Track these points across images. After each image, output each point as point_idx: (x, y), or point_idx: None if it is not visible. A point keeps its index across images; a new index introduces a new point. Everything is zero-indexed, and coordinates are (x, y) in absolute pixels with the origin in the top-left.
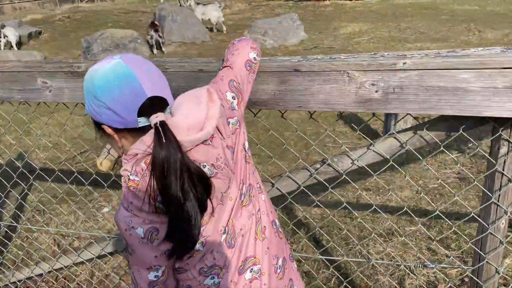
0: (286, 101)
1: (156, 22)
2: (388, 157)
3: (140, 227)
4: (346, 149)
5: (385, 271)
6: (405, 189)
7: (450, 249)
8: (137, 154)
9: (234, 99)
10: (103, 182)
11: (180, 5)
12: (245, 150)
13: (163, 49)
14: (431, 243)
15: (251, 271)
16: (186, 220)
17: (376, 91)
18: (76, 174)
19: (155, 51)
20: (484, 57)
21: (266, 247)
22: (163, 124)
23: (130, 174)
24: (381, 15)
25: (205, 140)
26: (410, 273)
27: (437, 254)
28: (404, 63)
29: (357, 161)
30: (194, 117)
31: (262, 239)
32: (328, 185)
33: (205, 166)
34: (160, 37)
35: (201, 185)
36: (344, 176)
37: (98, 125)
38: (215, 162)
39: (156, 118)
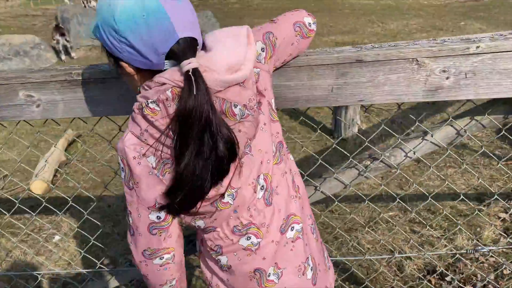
0: (346, 96)
1: (60, 26)
2: (445, 146)
3: (153, 155)
4: (402, 141)
5: (383, 261)
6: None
7: (434, 229)
8: (164, 83)
9: (263, 51)
10: (51, 207)
11: (84, 6)
12: (272, 108)
13: (72, 54)
14: (413, 226)
15: (292, 229)
16: (193, 178)
17: (447, 78)
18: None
19: (63, 57)
20: None
21: (301, 206)
22: (195, 72)
23: (150, 102)
24: (283, 10)
25: (239, 84)
26: (407, 260)
27: (424, 236)
28: (478, 47)
29: (414, 153)
30: (233, 57)
31: (298, 198)
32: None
33: (237, 106)
34: (67, 41)
35: (223, 142)
36: (399, 170)
37: (115, 60)
38: (247, 103)
39: (189, 64)
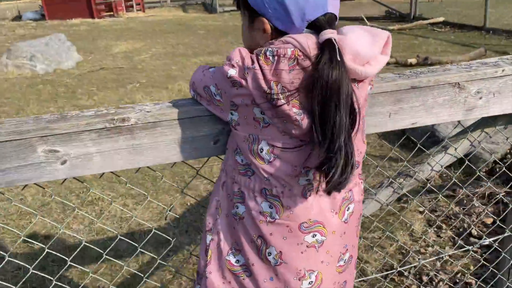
0: (401, 120)
1: None
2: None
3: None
4: (429, 154)
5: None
6: None
7: (374, 232)
8: (288, 42)
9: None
10: None
11: None
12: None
13: None
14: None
15: (313, 236)
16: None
17: (480, 98)
18: None
19: None
20: None
21: (343, 228)
22: (335, 43)
23: (269, 51)
24: (143, 32)
25: (354, 80)
26: (366, 263)
27: (368, 239)
28: (503, 70)
29: (441, 166)
30: (364, 48)
31: (342, 215)
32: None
33: None
34: None
35: (349, 115)
36: (429, 185)
37: (251, 13)
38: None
39: (331, 34)
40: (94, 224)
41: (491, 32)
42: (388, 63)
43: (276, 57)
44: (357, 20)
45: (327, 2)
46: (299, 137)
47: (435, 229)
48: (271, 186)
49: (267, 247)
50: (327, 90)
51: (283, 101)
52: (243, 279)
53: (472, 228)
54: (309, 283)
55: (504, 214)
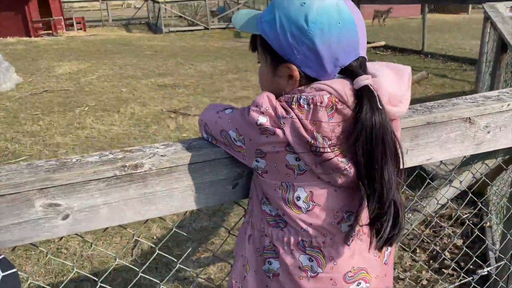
0: (417, 156)
1: None
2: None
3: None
4: (435, 185)
5: None
6: None
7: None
8: (322, 90)
9: None
10: None
11: None
12: None
13: None
14: None
15: (358, 285)
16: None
17: (488, 132)
18: None
19: None
20: None
21: (384, 270)
22: (371, 88)
23: (303, 98)
24: (87, 52)
25: None
26: None
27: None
28: (508, 105)
29: (445, 199)
30: (396, 89)
31: (383, 257)
32: None
33: None
34: None
35: (395, 163)
36: (436, 219)
37: (277, 59)
38: None
39: (367, 80)
40: (51, 265)
41: (429, 56)
42: None
43: (311, 106)
44: None
45: (359, 45)
46: (342, 185)
47: (411, 253)
48: (310, 237)
49: None
50: (372, 140)
51: (329, 151)
52: None
53: (445, 251)
54: None
55: (500, 244)
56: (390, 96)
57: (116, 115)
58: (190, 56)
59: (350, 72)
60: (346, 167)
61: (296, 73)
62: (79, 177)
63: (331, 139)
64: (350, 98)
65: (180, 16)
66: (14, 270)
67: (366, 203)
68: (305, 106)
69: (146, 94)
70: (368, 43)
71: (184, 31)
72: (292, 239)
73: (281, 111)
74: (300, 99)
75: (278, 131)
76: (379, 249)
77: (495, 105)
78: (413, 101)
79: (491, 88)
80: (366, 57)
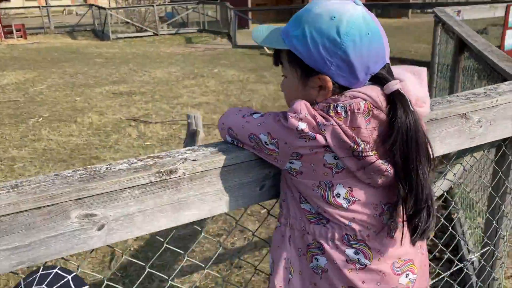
0: None
1: None
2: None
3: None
4: (433, 181)
5: None
6: None
7: None
8: (356, 97)
9: None
10: None
11: None
12: None
13: None
14: None
15: (406, 276)
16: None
17: (481, 126)
18: None
19: None
20: None
21: (425, 260)
22: (404, 94)
23: (340, 106)
24: (32, 61)
25: None
26: None
27: None
28: (497, 101)
29: (441, 190)
30: (420, 90)
31: (423, 248)
32: None
33: None
34: None
35: (427, 161)
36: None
37: (306, 72)
38: None
39: (397, 85)
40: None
41: None
42: None
43: (349, 113)
44: (256, 48)
45: (385, 52)
46: (381, 185)
47: None
48: (354, 231)
49: None
50: (408, 142)
51: (371, 154)
52: None
53: None
54: None
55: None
56: (417, 98)
57: (74, 125)
58: (143, 63)
59: (379, 79)
60: (387, 168)
61: (330, 84)
62: (115, 185)
63: (369, 143)
64: (383, 103)
65: (127, 22)
66: (87, 286)
67: (404, 201)
68: (343, 113)
69: (102, 103)
70: None
71: (133, 37)
72: (336, 234)
73: (320, 118)
74: (337, 107)
75: (319, 137)
76: (414, 242)
77: (486, 101)
78: None
79: (451, 88)
80: (389, 62)
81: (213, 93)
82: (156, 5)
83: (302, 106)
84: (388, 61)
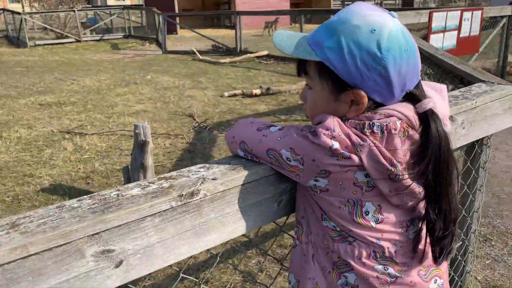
0: None
1: None
2: None
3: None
4: None
5: None
6: None
7: None
8: (391, 116)
9: None
10: None
11: None
12: None
13: None
14: None
15: (435, 282)
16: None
17: (464, 127)
18: None
19: None
20: (504, 90)
21: (445, 265)
22: (437, 113)
23: (376, 125)
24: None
25: None
26: None
27: None
28: (476, 102)
29: None
30: (446, 109)
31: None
32: None
33: None
34: None
35: (456, 183)
36: None
37: (339, 86)
38: None
39: (430, 103)
40: None
41: None
42: (235, 94)
43: (385, 132)
44: (188, 53)
45: (419, 70)
46: (411, 206)
47: None
48: (382, 248)
49: None
50: (441, 163)
51: (407, 177)
52: None
53: None
54: None
55: None
56: (444, 117)
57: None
58: (69, 71)
59: (412, 96)
60: (420, 190)
61: (365, 100)
62: (135, 214)
63: (403, 165)
64: (417, 123)
65: (46, 28)
66: None
67: (432, 223)
68: (379, 133)
69: (28, 115)
70: (251, 52)
71: (53, 44)
72: (364, 253)
73: (356, 138)
74: (373, 126)
75: (354, 157)
76: (440, 263)
77: (467, 103)
78: None
79: None
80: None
81: (150, 100)
82: (78, 10)
83: (335, 123)
84: (420, 77)
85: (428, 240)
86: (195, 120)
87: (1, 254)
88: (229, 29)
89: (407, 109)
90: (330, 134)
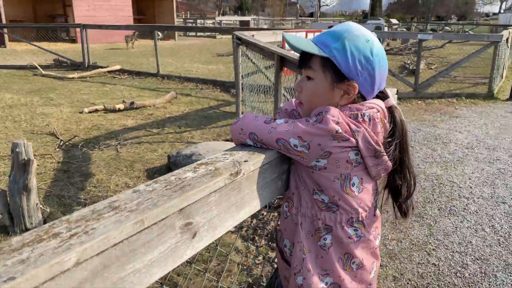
0: None
1: None
2: None
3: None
4: None
5: None
6: None
7: None
8: (373, 108)
9: None
10: None
11: None
12: None
13: None
14: None
15: (377, 239)
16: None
17: None
18: None
19: None
20: None
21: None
22: (397, 106)
23: (366, 115)
24: None
25: None
26: None
27: None
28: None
29: None
30: (396, 103)
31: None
32: None
33: None
34: None
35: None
36: None
37: (338, 77)
38: None
39: (393, 100)
40: None
41: (165, 77)
42: (96, 110)
43: (371, 121)
44: (26, 68)
45: (386, 75)
46: (382, 177)
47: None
48: (358, 214)
49: (352, 260)
50: (403, 143)
51: (385, 154)
52: None
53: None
54: (374, 272)
55: None
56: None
57: None
58: None
59: (382, 94)
60: (390, 164)
61: (356, 90)
62: (205, 191)
63: (380, 146)
64: (387, 114)
65: None
66: None
67: (398, 188)
68: (368, 120)
69: None
70: (101, 67)
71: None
72: (343, 218)
73: (353, 125)
74: (364, 116)
75: (352, 139)
76: (407, 219)
77: None
78: (174, 119)
79: (275, 98)
80: None
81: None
82: None
83: (337, 112)
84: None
85: (382, 204)
86: (58, 138)
87: (126, 228)
88: (68, 43)
89: (381, 104)
90: (336, 120)
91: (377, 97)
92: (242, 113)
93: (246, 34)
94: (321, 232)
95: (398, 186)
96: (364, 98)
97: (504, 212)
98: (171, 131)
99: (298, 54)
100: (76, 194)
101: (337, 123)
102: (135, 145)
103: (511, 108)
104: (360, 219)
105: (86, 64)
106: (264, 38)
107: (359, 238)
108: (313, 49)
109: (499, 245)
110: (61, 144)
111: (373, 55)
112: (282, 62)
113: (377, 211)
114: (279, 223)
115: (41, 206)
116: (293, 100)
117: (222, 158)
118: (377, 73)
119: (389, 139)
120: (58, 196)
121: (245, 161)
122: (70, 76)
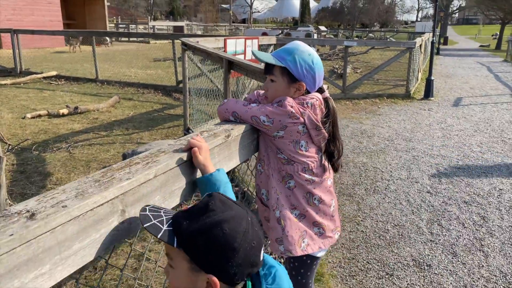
0: None
1: None
2: None
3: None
4: None
5: None
6: None
7: None
8: (313, 98)
9: None
10: None
11: None
12: None
13: None
14: None
15: (329, 181)
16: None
17: None
18: None
19: None
20: None
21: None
22: (330, 97)
23: (310, 103)
24: None
25: None
26: None
27: None
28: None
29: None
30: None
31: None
32: None
33: None
34: None
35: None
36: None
37: (292, 79)
38: None
39: (327, 93)
40: None
41: (104, 83)
42: (40, 115)
43: (313, 106)
44: None
45: (323, 77)
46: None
47: None
48: (308, 165)
49: (313, 197)
50: (335, 120)
51: (323, 128)
52: (301, 220)
53: None
54: (333, 206)
55: None
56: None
57: None
58: None
59: (320, 89)
60: (327, 136)
61: (304, 88)
62: (213, 144)
63: (319, 122)
64: (323, 102)
65: None
66: None
67: (332, 151)
68: (310, 106)
69: None
70: (36, 73)
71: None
72: (299, 168)
73: (301, 109)
74: (308, 103)
75: (301, 118)
76: (336, 172)
77: None
78: (121, 122)
79: (226, 98)
80: None
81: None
82: None
83: (291, 100)
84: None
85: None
86: (6, 143)
87: (174, 159)
88: None
89: (320, 96)
90: (290, 105)
91: (318, 91)
92: (190, 114)
93: (191, 41)
94: (286, 178)
95: (332, 151)
96: (309, 92)
97: (417, 189)
98: (119, 133)
99: (242, 59)
100: (38, 191)
101: (291, 106)
102: (87, 146)
103: (425, 106)
104: (310, 168)
105: (19, 70)
106: (209, 44)
107: (314, 181)
108: (275, 61)
109: (413, 214)
110: (9, 148)
111: (314, 64)
112: (230, 65)
113: (325, 163)
114: (255, 179)
115: (9, 202)
116: (255, 92)
117: (215, 128)
118: (317, 75)
119: (325, 119)
120: (21, 194)
121: (231, 129)
122: (3, 82)
